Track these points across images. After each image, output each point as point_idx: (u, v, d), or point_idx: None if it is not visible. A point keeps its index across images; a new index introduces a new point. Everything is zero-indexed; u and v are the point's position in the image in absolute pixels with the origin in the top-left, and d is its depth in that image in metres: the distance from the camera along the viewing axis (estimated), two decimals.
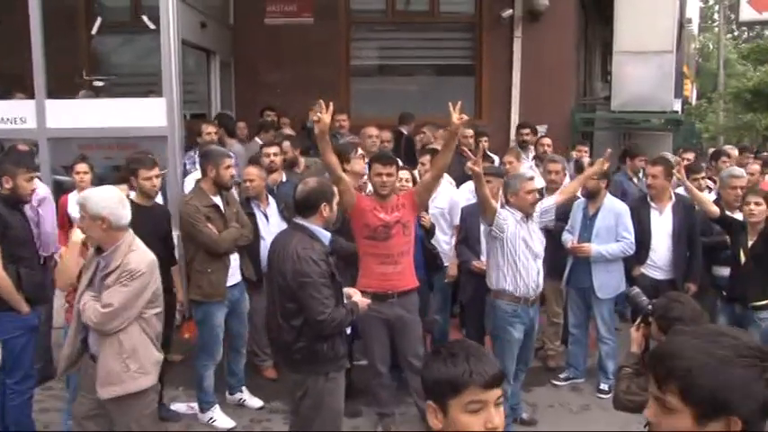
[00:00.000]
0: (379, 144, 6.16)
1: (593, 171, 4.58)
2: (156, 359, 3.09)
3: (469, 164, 3.92)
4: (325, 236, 3.31)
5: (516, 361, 4.17)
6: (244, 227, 4.42)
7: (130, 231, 3.03)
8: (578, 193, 4.87)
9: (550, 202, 4.33)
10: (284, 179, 5.23)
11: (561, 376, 5.09)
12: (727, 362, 1.27)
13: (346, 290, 3.46)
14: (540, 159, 5.97)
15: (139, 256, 2.99)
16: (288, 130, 6.66)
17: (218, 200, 4.34)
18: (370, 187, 4.42)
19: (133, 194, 4.25)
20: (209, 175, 4.32)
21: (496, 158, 6.71)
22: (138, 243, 3.04)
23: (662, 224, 4.79)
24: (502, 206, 4.19)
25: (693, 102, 16.15)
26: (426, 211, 4.71)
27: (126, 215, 2.99)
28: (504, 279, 4.08)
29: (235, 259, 4.38)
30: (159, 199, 4.65)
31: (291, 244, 3.23)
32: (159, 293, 3.10)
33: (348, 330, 3.47)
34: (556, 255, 5.02)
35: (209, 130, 5.88)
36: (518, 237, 4.04)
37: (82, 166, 5.09)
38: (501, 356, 4.02)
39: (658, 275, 4.78)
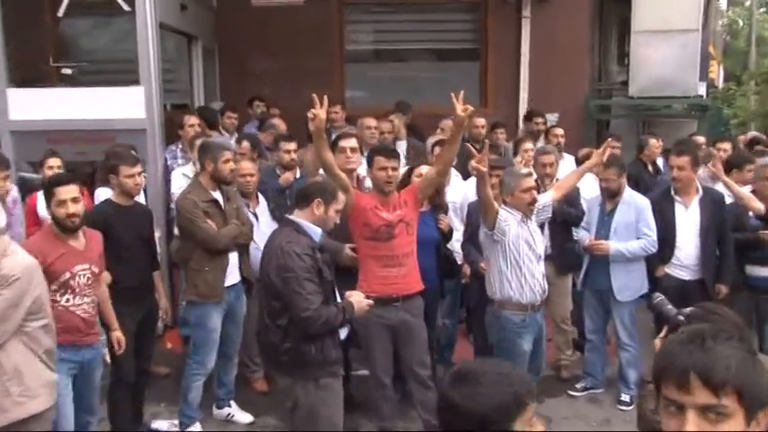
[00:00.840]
0: (378, 136, 6.14)
1: (593, 163, 4.57)
2: (48, 379, 2.94)
3: (473, 162, 3.87)
4: (314, 231, 3.37)
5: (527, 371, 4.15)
6: (244, 224, 4.44)
7: (6, 237, 2.88)
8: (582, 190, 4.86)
9: (547, 198, 4.31)
10: (298, 176, 5.23)
11: (578, 386, 5.08)
12: (749, 351, 1.39)
13: (347, 293, 3.48)
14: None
15: (14, 260, 2.78)
16: (277, 122, 6.62)
17: (217, 195, 4.36)
18: (368, 183, 4.40)
19: (111, 193, 4.24)
20: (208, 169, 4.34)
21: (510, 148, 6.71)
22: (15, 248, 2.87)
23: (688, 220, 4.73)
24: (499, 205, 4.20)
25: (720, 85, 15.96)
26: (446, 212, 4.72)
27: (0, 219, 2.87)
28: (509, 286, 4.06)
29: (233, 258, 4.37)
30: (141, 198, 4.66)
31: (277, 239, 3.35)
32: (44, 302, 2.93)
33: (342, 335, 3.47)
34: (563, 252, 5.06)
35: (192, 122, 5.86)
36: (520, 238, 4.03)
37: (54, 161, 5.06)
38: None
39: (685, 275, 4.74)
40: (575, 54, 8.23)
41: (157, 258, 4.49)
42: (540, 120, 7.18)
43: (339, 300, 3.45)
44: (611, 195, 4.77)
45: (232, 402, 4.71)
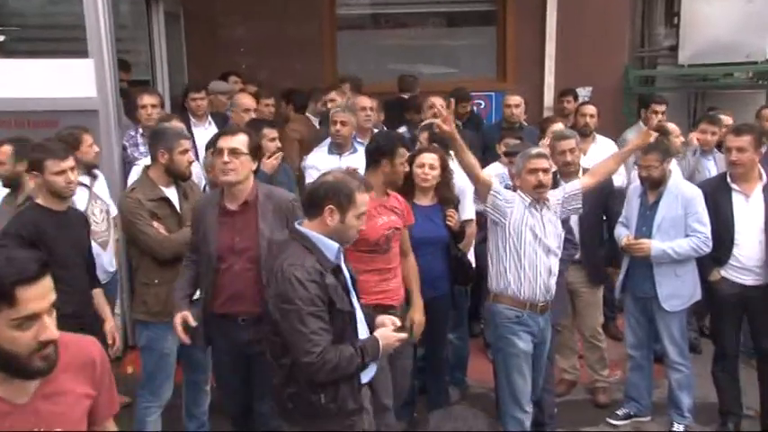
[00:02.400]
0: (374, 118, 6.10)
1: (636, 145, 4.58)
2: None
3: (438, 122, 4.02)
4: (329, 246, 3.12)
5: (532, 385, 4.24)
6: None
7: None
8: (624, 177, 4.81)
9: (576, 186, 4.31)
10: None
11: (619, 413, 5.02)
12: None
13: (381, 318, 3.31)
14: (580, 134, 5.81)
15: None
16: (247, 101, 6.47)
17: (170, 192, 4.27)
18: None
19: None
20: (160, 161, 4.26)
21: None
22: None
23: (750, 213, 4.63)
24: (514, 189, 4.28)
25: None
26: (456, 206, 4.74)
27: None
28: (505, 276, 4.13)
29: None
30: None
31: (280, 257, 3.11)
32: None
33: (365, 378, 3.26)
34: (594, 252, 5.01)
35: (147, 102, 5.76)
36: (524, 224, 4.08)
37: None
38: (507, 375, 4.15)
39: (747, 280, 4.63)
40: (611, 15, 8.19)
41: (96, 274, 4.36)
42: (568, 98, 7.15)
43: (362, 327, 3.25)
44: (653, 185, 4.69)
45: None
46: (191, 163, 4.33)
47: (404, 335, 3.29)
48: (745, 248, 4.62)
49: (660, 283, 4.67)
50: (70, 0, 5.85)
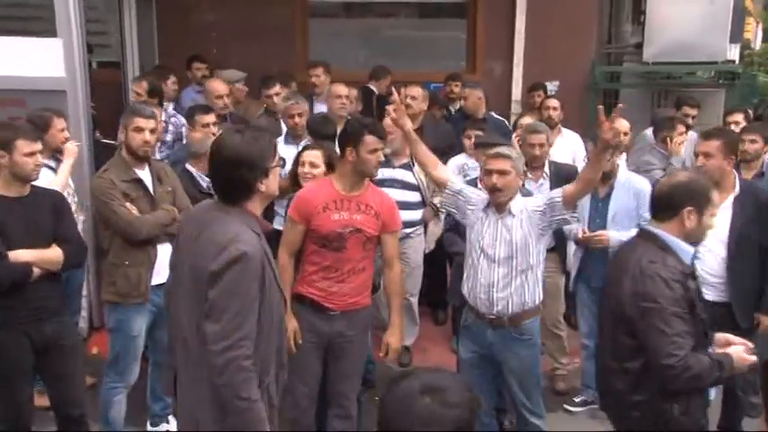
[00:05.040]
0: (349, 106, 6.09)
1: (608, 139, 3.99)
2: None
3: (390, 110, 3.92)
4: (684, 251, 3.01)
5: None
6: (182, 211, 4.28)
7: None
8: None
9: (556, 194, 3.88)
10: None
11: (576, 400, 5.11)
12: None
13: (726, 337, 3.10)
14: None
15: None
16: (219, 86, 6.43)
17: (144, 174, 4.24)
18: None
19: None
20: (122, 140, 4.25)
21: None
22: None
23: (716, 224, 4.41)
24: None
25: (758, 46, 15.68)
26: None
27: None
28: (464, 275, 4.04)
29: (165, 252, 4.19)
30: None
31: (634, 256, 3.00)
32: None
33: (712, 394, 3.12)
34: (554, 240, 5.02)
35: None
36: (474, 227, 3.94)
37: None
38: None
39: (709, 296, 4.19)
40: (580, 11, 8.24)
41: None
42: (539, 92, 7.23)
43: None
44: (603, 179, 4.68)
45: (171, 418, 4.66)
46: (146, 142, 4.17)
47: (754, 358, 3.00)
48: (707, 263, 4.26)
49: None
50: None
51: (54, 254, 3.72)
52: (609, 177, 4.73)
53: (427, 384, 1.71)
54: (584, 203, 4.81)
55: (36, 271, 3.64)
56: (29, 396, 3.78)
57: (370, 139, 3.79)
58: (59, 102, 5.29)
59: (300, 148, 4.75)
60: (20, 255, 3.59)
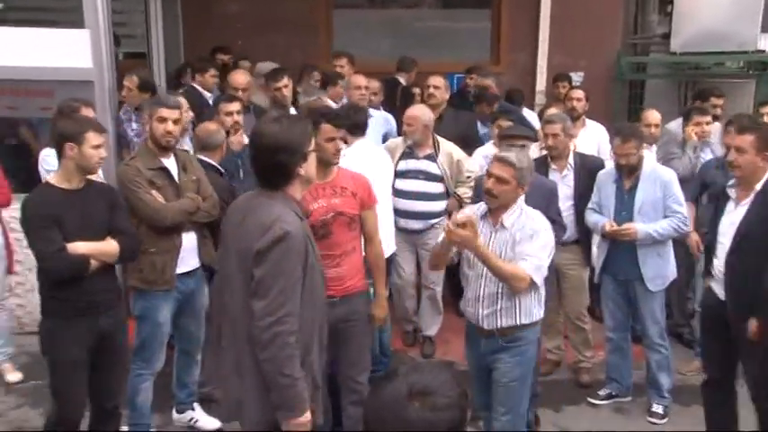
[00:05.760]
0: (369, 98, 6.09)
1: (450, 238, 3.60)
2: None
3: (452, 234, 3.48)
4: None
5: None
6: (206, 199, 4.32)
7: None
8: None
9: (522, 257, 3.57)
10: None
11: (601, 393, 5.09)
12: None
13: None
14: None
15: None
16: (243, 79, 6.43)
17: (169, 162, 4.26)
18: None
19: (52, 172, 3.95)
20: (147, 131, 4.28)
21: (532, 115, 6.59)
22: None
23: (733, 222, 4.03)
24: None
25: None
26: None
27: None
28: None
29: (189, 240, 4.30)
30: None
31: None
32: None
33: None
34: (588, 233, 5.02)
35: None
36: None
37: None
38: None
39: (722, 295, 4.07)
40: (605, 1, 8.18)
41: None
42: (563, 83, 7.19)
43: None
44: (630, 171, 4.70)
45: (196, 405, 4.70)
46: (169, 132, 4.18)
47: None
48: (721, 260, 4.06)
49: (644, 264, 4.71)
50: None
51: (111, 246, 3.73)
52: (635, 170, 4.70)
53: (414, 387, 1.62)
54: (610, 196, 4.80)
55: (93, 263, 3.65)
56: (83, 386, 3.80)
57: (326, 128, 3.77)
58: (87, 92, 5.31)
59: None
60: (78, 247, 3.60)
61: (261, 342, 2.76)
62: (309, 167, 2.94)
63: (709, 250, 4.24)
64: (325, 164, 3.81)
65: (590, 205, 4.89)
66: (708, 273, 4.23)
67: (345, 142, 4.72)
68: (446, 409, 1.60)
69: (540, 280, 3.56)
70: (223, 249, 3.08)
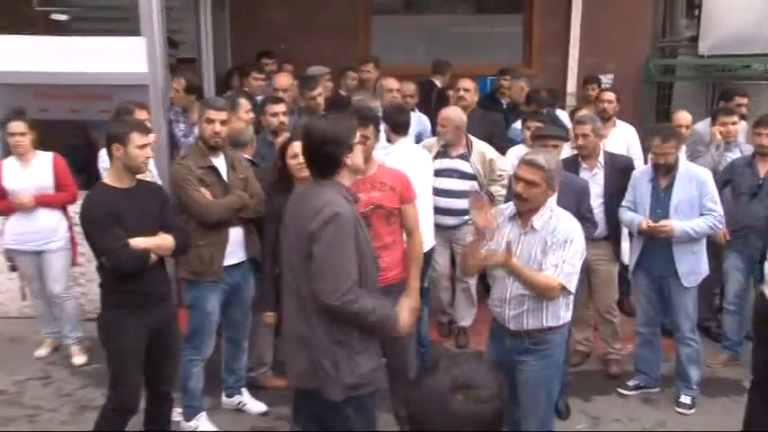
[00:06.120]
0: (401, 100, 6.05)
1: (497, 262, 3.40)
2: None
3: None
4: None
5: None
6: (253, 197, 4.33)
7: None
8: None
9: (548, 264, 3.37)
10: None
11: (629, 384, 5.01)
12: None
13: None
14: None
15: None
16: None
17: (218, 161, 4.28)
18: None
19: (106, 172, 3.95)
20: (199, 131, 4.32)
21: (564, 115, 6.49)
22: None
23: None
24: None
25: None
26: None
27: None
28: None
29: (236, 234, 4.32)
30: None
31: None
32: None
33: None
34: (608, 229, 4.93)
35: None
36: (501, 236, 3.44)
37: (17, 126, 5.00)
38: None
39: None
40: (634, 5, 8.05)
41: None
42: (593, 85, 7.10)
43: None
44: (667, 171, 4.62)
45: (243, 390, 4.73)
46: (217, 133, 4.18)
47: None
48: None
49: (679, 261, 4.62)
50: None
51: (167, 241, 3.74)
52: (671, 169, 4.60)
53: (457, 381, 1.61)
54: (645, 195, 4.71)
55: (152, 257, 3.68)
56: (140, 373, 3.83)
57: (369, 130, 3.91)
58: (142, 95, 5.38)
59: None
60: (140, 242, 3.62)
61: (340, 316, 2.94)
62: (356, 157, 3.08)
63: (764, 256, 4.09)
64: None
65: (624, 203, 4.81)
66: (762, 279, 4.07)
67: (389, 141, 4.73)
68: (489, 401, 1.59)
69: (572, 287, 3.39)
70: (283, 233, 3.22)
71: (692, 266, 4.64)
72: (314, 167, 3.07)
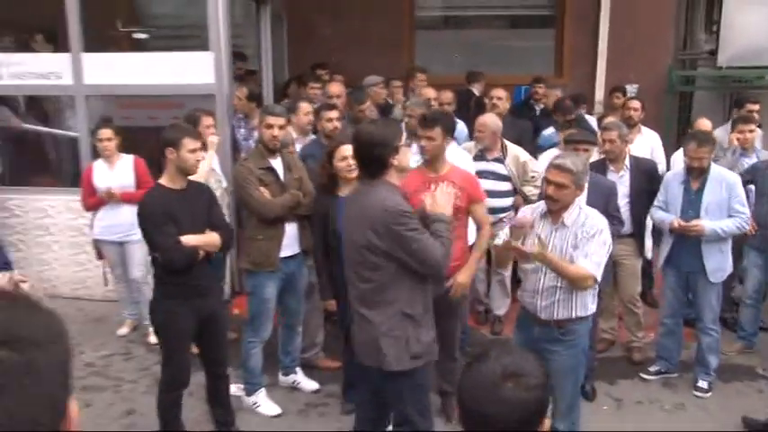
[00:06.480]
0: (447, 108, 6.10)
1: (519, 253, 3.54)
2: None
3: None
4: None
5: None
6: (306, 195, 4.40)
7: None
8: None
9: (579, 254, 3.44)
10: None
11: (651, 370, 5.02)
12: None
13: None
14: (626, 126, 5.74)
15: None
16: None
17: (276, 163, 4.36)
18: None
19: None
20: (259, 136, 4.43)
21: (592, 120, 6.53)
22: None
23: None
24: None
25: None
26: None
27: None
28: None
29: (291, 229, 4.42)
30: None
31: None
32: None
33: None
34: (633, 227, 4.95)
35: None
36: (533, 232, 3.54)
37: (105, 132, 5.22)
38: None
39: None
40: (657, 21, 8.00)
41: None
42: (617, 94, 7.09)
43: None
44: (699, 174, 4.59)
45: (298, 369, 4.83)
46: (274, 137, 4.28)
47: None
48: None
49: (708, 258, 4.60)
50: (196, 4, 5.96)
51: (215, 238, 3.79)
52: (703, 172, 4.58)
53: (508, 369, 1.59)
54: (677, 196, 4.69)
55: (201, 253, 3.74)
56: (189, 354, 3.91)
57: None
58: (210, 103, 5.56)
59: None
60: (190, 239, 3.68)
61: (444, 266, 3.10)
62: (402, 158, 3.13)
63: None
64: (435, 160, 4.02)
65: (656, 203, 4.79)
66: None
67: None
68: (536, 389, 1.58)
69: (600, 276, 3.45)
70: (343, 231, 3.26)
71: (719, 264, 4.63)
72: (364, 168, 3.13)
